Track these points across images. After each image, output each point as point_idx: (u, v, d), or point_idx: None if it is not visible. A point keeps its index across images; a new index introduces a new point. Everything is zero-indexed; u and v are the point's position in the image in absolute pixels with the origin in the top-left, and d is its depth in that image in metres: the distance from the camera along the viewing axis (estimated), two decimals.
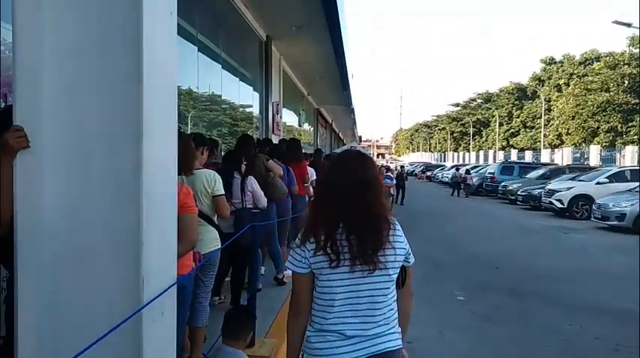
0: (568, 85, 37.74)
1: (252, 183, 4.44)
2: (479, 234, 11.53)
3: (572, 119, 34.05)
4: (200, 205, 3.12)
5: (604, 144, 31.20)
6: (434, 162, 55.89)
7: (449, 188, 26.46)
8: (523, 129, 46.38)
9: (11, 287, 1.85)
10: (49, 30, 1.72)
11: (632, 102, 29.90)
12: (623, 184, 14.47)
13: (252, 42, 10.07)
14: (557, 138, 38.05)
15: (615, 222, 12.20)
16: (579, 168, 20.51)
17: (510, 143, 47.28)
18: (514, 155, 41.42)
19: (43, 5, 1.73)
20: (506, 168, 23.78)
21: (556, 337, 4.67)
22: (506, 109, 49.20)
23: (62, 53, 1.73)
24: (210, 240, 3.34)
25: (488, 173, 24.74)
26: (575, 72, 38.21)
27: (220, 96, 8.55)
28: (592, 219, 13.30)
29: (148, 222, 1.72)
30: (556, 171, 19.99)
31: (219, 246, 3.39)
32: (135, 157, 1.70)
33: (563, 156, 33.44)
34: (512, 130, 47.89)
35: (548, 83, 42.45)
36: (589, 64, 37.94)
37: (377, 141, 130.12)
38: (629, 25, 21.77)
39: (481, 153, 51.25)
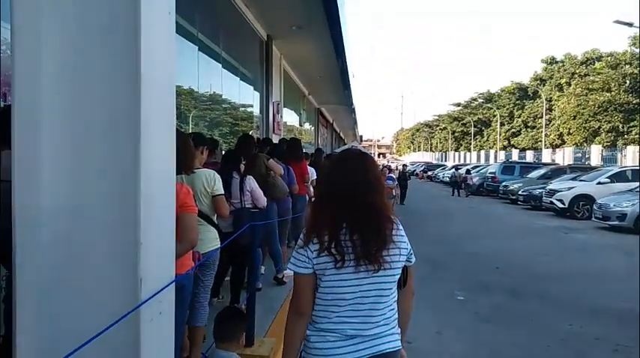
0: (569, 85, 37.71)
1: (251, 182, 4.44)
2: (479, 234, 11.52)
3: (574, 119, 34.04)
4: (200, 205, 3.13)
5: (605, 144, 31.17)
6: (435, 162, 55.83)
7: (449, 188, 26.45)
8: (524, 129, 46.36)
9: (10, 286, 1.86)
10: (46, 30, 1.72)
11: (634, 102, 29.88)
12: (625, 184, 14.45)
13: (253, 41, 10.07)
14: (558, 138, 38.03)
15: (616, 222, 12.19)
16: (580, 168, 20.48)
17: (511, 143, 47.25)
18: (515, 155, 41.39)
19: (41, 5, 1.73)
20: (507, 167, 23.75)
21: (556, 337, 4.67)
22: (507, 109, 49.16)
23: (60, 53, 1.73)
24: (210, 240, 3.34)
25: (490, 173, 24.72)
26: (577, 71, 38.16)
27: (221, 95, 8.56)
28: (593, 219, 13.28)
29: (145, 221, 1.72)
30: (557, 171, 19.98)
31: (219, 246, 3.40)
32: (133, 156, 1.70)
33: (565, 156, 33.39)
34: (513, 130, 47.87)
35: (550, 83, 42.42)
36: (590, 63, 37.90)
37: (378, 140, 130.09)
38: (630, 24, 21.77)
39: (482, 152, 51.22)
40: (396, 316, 1.76)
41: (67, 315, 1.73)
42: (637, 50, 30.22)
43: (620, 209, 12.28)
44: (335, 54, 11.09)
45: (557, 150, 36.89)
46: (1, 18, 2.82)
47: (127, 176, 1.71)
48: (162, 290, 1.82)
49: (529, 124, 45.72)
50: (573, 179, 16.80)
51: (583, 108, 32.69)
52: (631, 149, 27.61)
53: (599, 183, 15.30)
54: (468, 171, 25.72)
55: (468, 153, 56.09)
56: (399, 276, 1.73)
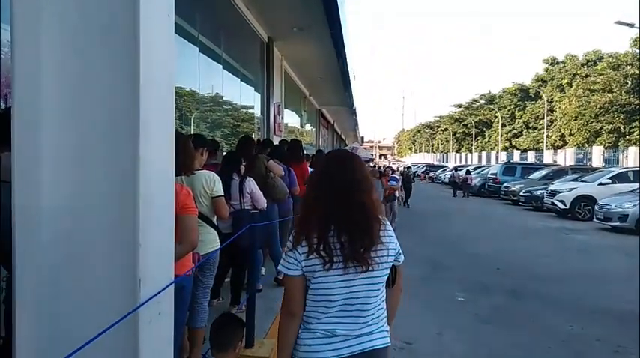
0: (571, 86, 37.67)
1: (251, 184, 4.44)
2: (480, 235, 11.50)
3: (575, 120, 34.02)
4: (199, 206, 3.13)
5: (607, 144, 31.14)
6: (436, 163, 55.81)
7: (451, 188, 26.43)
8: (525, 130, 46.34)
9: (10, 287, 1.86)
10: (46, 31, 1.73)
11: (635, 102, 29.85)
12: (626, 185, 14.42)
13: (254, 43, 10.09)
14: (559, 139, 38.01)
15: (617, 223, 12.16)
16: (582, 169, 20.47)
17: (513, 144, 47.23)
18: (516, 156, 41.35)
19: (40, 5, 1.74)
20: (509, 168, 23.74)
21: (556, 338, 4.66)
22: (508, 110, 49.14)
23: (59, 54, 1.74)
24: (210, 241, 3.35)
25: (491, 174, 24.71)
26: (578, 72, 38.14)
27: (222, 97, 8.57)
28: (594, 220, 13.25)
29: (144, 222, 1.73)
30: (558, 172, 19.97)
31: (219, 247, 3.40)
32: (132, 158, 1.71)
33: (566, 157, 33.35)
34: (514, 131, 47.86)
35: (551, 84, 42.39)
36: (592, 64, 37.86)
37: (379, 141, 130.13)
38: (631, 25, 21.76)
39: (483, 153, 51.19)
40: (385, 314, 1.79)
41: (66, 316, 1.74)
42: (638, 51, 30.19)
43: (621, 210, 12.26)
44: (336, 55, 11.11)
45: (558, 151, 36.85)
46: (1, 20, 2.84)
47: (126, 176, 1.71)
48: (161, 291, 1.83)
49: (530, 125, 45.70)
50: (575, 180, 16.78)
51: (584, 109, 32.67)
52: (632, 150, 27.58)
53: (600, 184, 15.27)
54: (467, 172, 25.69)
55: (469, 154, 56.05)
56: (387, 276, 1.75)
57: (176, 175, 2.23)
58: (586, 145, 32.83)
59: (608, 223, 12.46)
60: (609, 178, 15.47)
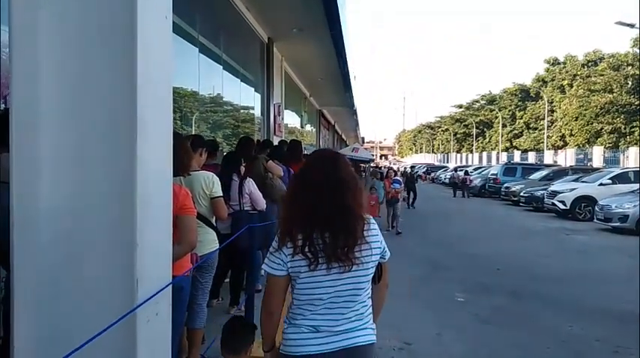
0: (571, 86, 37.65)
1: (250, 185, 4.44)
2: (480, 236, 11.49)
3: (576, 120, 34.00)
4: (198, 207, 3.14)
5: (607, 145, 31.12)
6: (437, 164, 55.79)
7: (451, 189, 26.43)
8: (526, 131, 46.30)
9: (9, 287, 1.87)
10: (44, 30, 1.74)
11: (636, 103, 29.82)
12: (627, 185, 14.40)
13: (254, 43, 10.09)
14: (560, 140, 37.97)
15: (618, 224, 12.15)
16: (582, 170, 20.44)
17: (513, 144, 47.19)
18: (517, 156, 41.33)
19: (39, 5, 1.75)
20: (509, 169, 23.71)
21: (556, 338, 4.66)
22: (509, 110, 49.10)
23: (58, 54, 1.74)
24: (209, 242, 3.35)
25: (491, 174, 24.69)
26: (579, 73, 38.12)
27: (222, 97, 8.57)
28: (595, 220, 13.23)
29: (142, 222, 1.73)
30: (559, 173, 19.94)
31: (218, 248, 3.40)
32: (129, 158, 1.71)
33: (567, 158, 33.35)
34: (515, 131, 47.81)
35: (552, 84, 42.37)
36: (592, 65, 37.84)
37: (380, 142, 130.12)
38: (632, 25, 21.75)
39: (484, 154, 51.19)
40: (370, 311, 1.80)
41: (64, 316, 1.74)
42: (638, 51, 30.18)
43: (621, 210, 12.24)
44: (336, 56, 11.11)
45: (559, 151, 36.84)
46: (1, 21, 2.84)
47: (124, 176, 1.72)
48: (159, 292, 1.83)
49: (531, 126, 45.65)
50: (575, 180, 16.76)
51: (585, 110, 32.65)
52: (633, 150, 27.57)
53: (601, 184, 15.25)
54: (466, 173, 25.69)
55: (470, 155, 56.03)
56: (372, 274, 1.76)
57: (174, 176, 2.23)
58: (587, 146, 32.81)
59: (609, 224, 12.44)
60: (610, 179, 15.46)
